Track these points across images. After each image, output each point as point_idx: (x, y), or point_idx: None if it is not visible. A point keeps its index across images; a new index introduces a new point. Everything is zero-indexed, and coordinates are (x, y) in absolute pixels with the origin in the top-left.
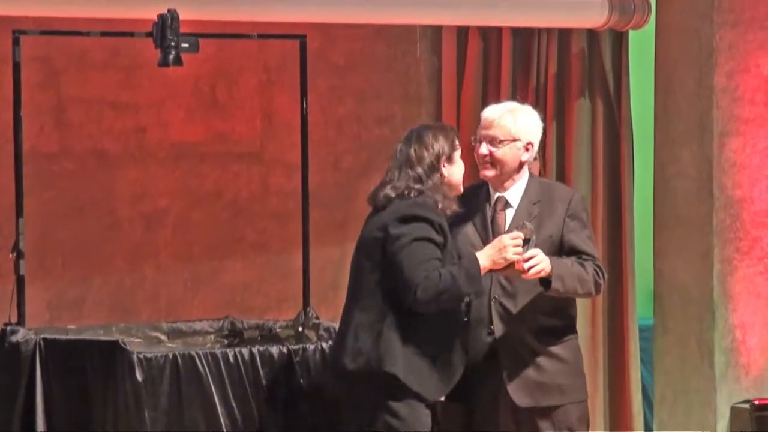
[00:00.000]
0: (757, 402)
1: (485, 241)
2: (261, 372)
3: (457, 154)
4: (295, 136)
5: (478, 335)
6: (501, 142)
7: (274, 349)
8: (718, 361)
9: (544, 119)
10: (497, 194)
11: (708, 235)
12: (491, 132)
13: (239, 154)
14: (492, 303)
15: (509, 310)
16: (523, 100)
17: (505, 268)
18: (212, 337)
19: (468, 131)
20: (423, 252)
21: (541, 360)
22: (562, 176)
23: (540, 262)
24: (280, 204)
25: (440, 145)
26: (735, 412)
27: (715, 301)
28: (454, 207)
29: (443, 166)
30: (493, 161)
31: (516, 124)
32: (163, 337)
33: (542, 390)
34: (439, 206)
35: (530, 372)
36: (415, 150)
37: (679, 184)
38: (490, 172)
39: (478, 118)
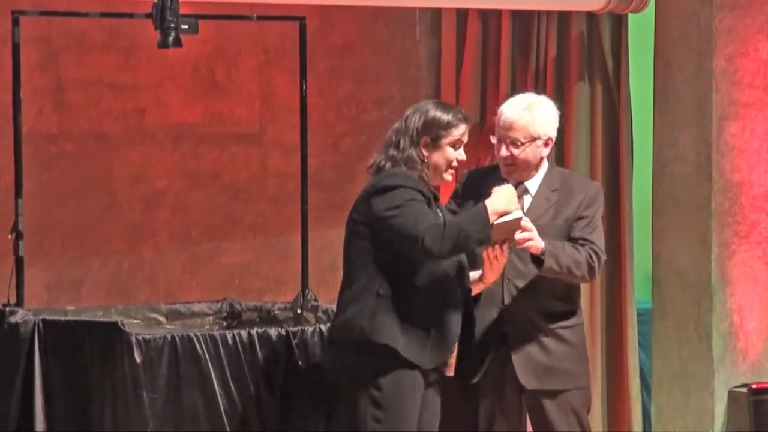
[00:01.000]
0: (754, 386)
1: None
2: (259, 354)
3: (447, 141)
4: (294, 118)
5: (489, 315)
6: (522, 144)
7: (273, 331)
8: (716, 345)
9: None
10: (516, 182)
11: (706, 219)
12: (511, 134)
13: (238, 136)
14: (505, 283)
15: (522, 292)
16: (522, 84)
17: (502, 231)
18: (211, 318)
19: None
20: (419, 209)
21: (550, 343)
22: (561, 159)
23: (533, 237)
24: (279, 186)
25: (428, 125)
26: (732, 395)
27: (713, 285)
28: (431, 187)
29: (424, 147)
30: (515, 162)
31: (535, 123)
32: (161, 319)
33: (549, 373)
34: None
35: (538, 355)
36: (404, 120)
37: (677, 168)
38: (512, 173)
39: (476, 102)
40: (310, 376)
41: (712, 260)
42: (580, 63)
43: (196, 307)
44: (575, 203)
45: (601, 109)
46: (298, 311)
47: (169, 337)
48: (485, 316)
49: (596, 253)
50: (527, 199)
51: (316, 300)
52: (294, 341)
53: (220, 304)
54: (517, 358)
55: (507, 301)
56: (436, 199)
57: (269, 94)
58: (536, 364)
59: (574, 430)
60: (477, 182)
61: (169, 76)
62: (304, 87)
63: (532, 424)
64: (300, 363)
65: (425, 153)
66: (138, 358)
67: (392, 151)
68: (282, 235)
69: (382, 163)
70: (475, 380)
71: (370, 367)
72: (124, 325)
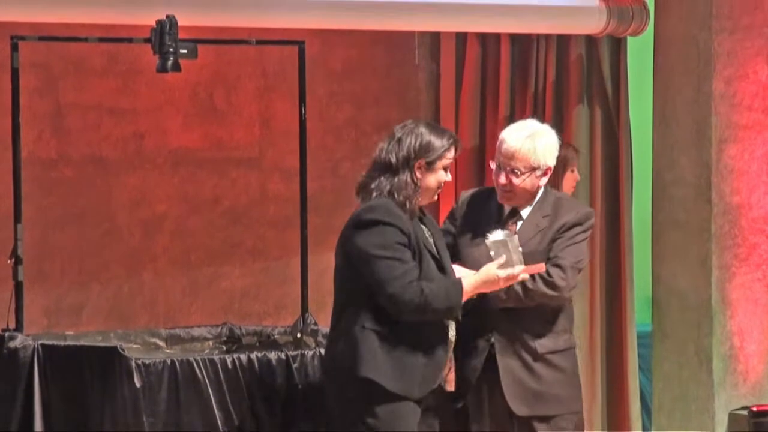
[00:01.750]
0: (755, 409)
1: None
2: (259, 378)
3: (442, 164)
4: (293, 143)
5: (478, 339)
6: (522, 173)
7: (273, 355)
8: (717, 368)
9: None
10: (510, 207)
11: (706, 241)
12: (512, 163)
13: (237, 160)
14: (494, 313)
15: (510, 317)
16: (521, 107)
17: None
18: (210, 343)
19: (466, 138)
20: (392, 261)
21: (539, 369)
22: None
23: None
24: (279, 210)
25: (424, 149)
26: (733, 418)
27: (713, 307)
28: (414, 211)
29: (418, 169)
30: (513, 190)
31: (536, 152)
32: (161, 343)
33: (540, 399)
34: (403, 201)
35: (527, 380)
36: (396, 142)
37: (677, 191)
38: (508, 200)
39: (476, 126)
40: (310, 400)
41: (712, 282)
42: (579, 86)
43: (196, 332)
44: (558, 225)
45: (601, 131)
46: (298, 335)
47: (168, 362)
48: (475, 341)
49: (559, 267)
50: (519, 225)
51: (315, 324)
52: (294, 365)
53: (219, 328)
54: (506, 384)
55: (495, 326)
56: (423, 216)
57: (268, 119)
58: (526, 390)
59: None
60: (474, 205)
61: (168, 101)
62: (303, 111)
63: None
64: (300, 387)
65: (419, 176)
66: (138, 383)
67: (385, 176)
68: (281, 259)
69: (372, 187)
70: (459, 405)
71: (362, 399)
72: (123, 350)
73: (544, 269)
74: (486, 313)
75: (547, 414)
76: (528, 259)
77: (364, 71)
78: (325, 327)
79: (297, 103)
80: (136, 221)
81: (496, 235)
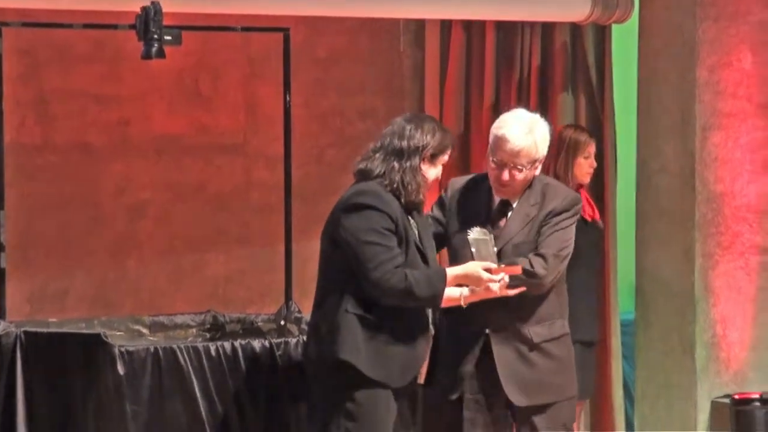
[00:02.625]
0: (737, 396)
1: None
2: (243, 366)
3: (441, 160)
4: (278, 129)
5: (473, 330)
6: (525, 169)
7: (256, 343)
8: (699, 356)
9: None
10: (501, 198)
11: (690, 229)
12: (516, 160)
13: (222, 147)
14: (487, 303)
15: (505, 307)
16: (506, 95)
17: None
18: (194, 330)
19: (450, 125)
20: (378, 246)
21: (535, 358)
22: (545, 170)
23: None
24: (263, 197)
25: (434, 140)
26: (715, 406)
27: (696, 295)
28: (416, 200)
29: (423, 160)
30: (513, 185)
31: (537, 146)
32: (144, 331)
33: (537, 388)
34: (400, 191)
35: (524, 370)
36: (408, 130)
37: (661, 179)
38: (506, 194)
39: (460, 114)
40: (293, 387)
41: (695, 271)
42: (564, 74)
43: (180, 319)
44: (545, 212)
45: (585, 119)
46: (282, 323)
47: (152, 349)
48: (470, 332)
49: (541, 256)
50: (509, 215)
51: (299, 311)
52: (277, 353)
53: (203, 315)
54: (503, 375)
55: (490, 317)
56: (414, 210)
57: (253, 106)
58: (523, 380)
59: None
60: (466, 194)
61: (153, 88)
62: (288, 98)
63: None
64: (284, 374)
65: (423, 167)
66: (121, 370)
67: (392, 162)
68: (266, 246)
69: (377, 171)
70: (454, 396)
71: (341, 383)
72: (107, 337)
73: (520, 271)
74: (480, 305)
75: (546, 402)
76: (517, 250)
77: (349, 59)
78: (309, 315)
79: (282, 90)
80: (121, 208)
81: (477, 233)
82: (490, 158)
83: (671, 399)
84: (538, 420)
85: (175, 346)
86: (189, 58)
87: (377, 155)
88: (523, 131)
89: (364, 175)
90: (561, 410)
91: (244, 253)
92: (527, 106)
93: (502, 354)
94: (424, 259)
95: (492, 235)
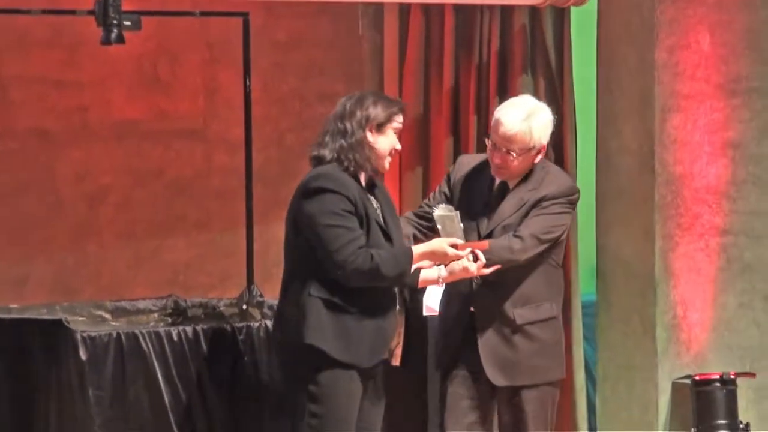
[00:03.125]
0: (697, 377)
1: (475, 221)
2: (205, 350)
3: (392, 128)
4: (238, 114)
5: (458, 310)
6: (518, 154)
7: (218, 328)
8: (660, 337)
9: (486, 96)
10: (501, 180)
11: (650, 211)
12: (508, 145)
13: (182, 132)
14: (474, 279)
15: (491, 287)
16: (466, 78)
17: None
18: (156, 315)
19: (410, 109)
20: (339, 228)
21: (517, 340)
22: None
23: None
24: (223, 182)
25: (375, 111)
26: (676, 387)
27: (657, 277)
28: (376, 172)
29: (369, 131)
30: (507, 169)
31: (532, 134)
32: (106, 316)
33: (516, 369)
34: (353, 168)
35: (506, 351)
36: (348, 107)
37: (621, 160)
38: (503, 177)
39: (420, 96)
40: (256, 371)
41: (655, 252)
42: (523, 57)
43: (141, 304)
44: (538, 197)
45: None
46: (244, 307)
47: (114, 334)
48: (455, 312)
49: (519, 237)
50: (506, 198)
51: (261, 296)
52: (240, 337)
53: (165, 300)
54: (484, 354)
55: (475, 298)
56: (374, 185)
57: (213, 90)
58: (503, 360)
59: (540, 424)
60: (469, 174)
61: (112, 73)
62: (247, 82)
63: (500, 416)
64: (246, 359)
65: (371, 139)
66: (83, 356)
67: (339, 142)
68: (227, 231)
69: (325, 154)
70: (439, 370)
71: (305, 366)
72: (68, 323)
73: (486, 246)
74: (467, 283)
75: (524, 383)
76: (504, 232)
77: (308, 42)
78: (270, 299)
79: (242, 74)
80: (81, 194)
81: (442, 210)
82: (488, 140)
83: (632, 380)
84: (517, 401)
85: (137, 331)
86: (148, 44)
87: (326, 139)
88: (519, 117)
89: (318, 161)
90: (542, 393)
91: (205, 238)
92: (486, 89)
93: (485, 334)
94: (388, 238)
95: (458, 212)
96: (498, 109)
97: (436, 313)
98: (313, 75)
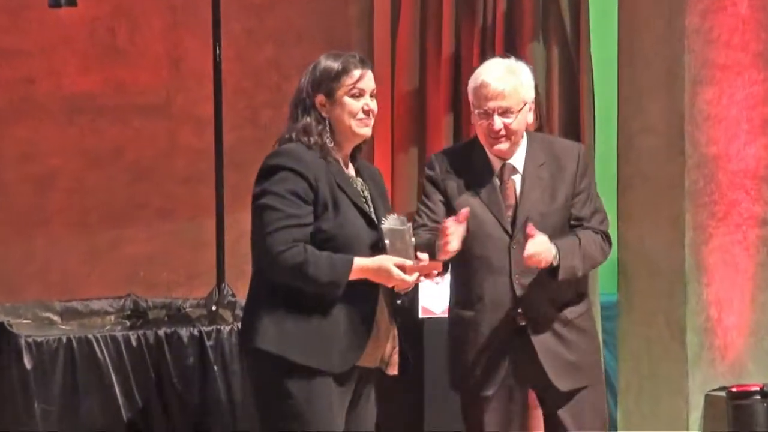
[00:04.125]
0: (734, 389)
1: (495, 215)
2: (168, 357)
3: (343, 92)
4: (206, 87)
5: (503, 317)
6: (515, 111)
7: (184, 332)
8: (691, 343)
9: None
10: (501, 161)
11: (679, 198)
12: (504, 104)
13: (142, 108)
14: (514, 284)
15: (537, 283)
16: (468, 45)
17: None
18: (112, 317)
19: (404, 80)
20: (278, 213)
21: (573, 337)
22: None
23: (540, 256)
24: (190, 164)
25: (322, 75)
26: (709, 400)
27: (686, 273)
28: (333, 156)
29: (321, 105)
30: (508, 134)
31: (522, 86)
32: (55, 318)
33: (577, 369)
34: (322, 144)
35: (564, 351)
36: (301, 80)
37: (645, 141)
38: (504, 146)
39: (415, 67)
40: (227, 382)
41: (685, 245)
42: (533, 20)
43: (96, 305)
44: (569, 177)
45: (558, 73)
46: (213, 308)
47: (64, 339)
48: (500, 320)
49: (606, 234)
50: (517, 179)
51: (233, 295)
52: (208, 343)
53: (122, 300)
54: (546, 360)
55: (521, 301)
56: (360, 166)
57: (178, 60)
58: (564, 362)
59: (602, 424)
60: (455, 166)
61: (62, 40)
62: (217, 51)
63: (551, 425)
64: (215, 368)
65: (324, 113)
66: (28, 364)
67: (294, 121)
68: (194, 220)
69: (291, 134)
70: (489, 392)
71: (270, 374)
72: (11, 326)
73: (440, 268)
74: (505, 284)
75: (587, 384)
76: (543, 222)
77: (286, 4)
78: (244, 299)
79: (210, 41)
80: (26, 178)
81: (392, 222)
82: (476, 112)
83: (659, 392)
84: (573, 404)
85: (90, 336)
86: (103, 6)
87: (288, 125)
88: (502, 72)
89: (280, 143)
90: (597, 393)
91: (169, 229)
92: (492, 57)
93: (541, 337)
94: (374, 226)
95: (410, 225)
96: (473, 78)
97: (435, 315)
98: (291, 42)
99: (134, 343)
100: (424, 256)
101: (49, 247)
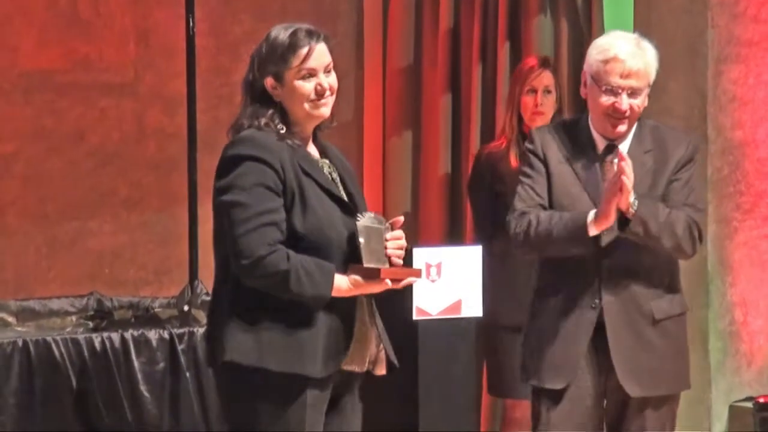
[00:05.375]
0: (761, 399)
1: (590, 195)
2: (135, 362)
3: (292, 74)
4: (178, 64)
5: (581, 307)
6: (642, 93)
7: (153, 334)
8: (714, 349)
9: (494, 42)
10: (605, 141)
11: (701, 188)
12: (635, 83)
13: (107, 86)
14: (602, 269)
15: (624, 273)
16: (468, 18)
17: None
18: (73, 318)
19: (396, 55)
20: (249, 209)
21: (657, 339)
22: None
23: (630, 176)
24: (160, 149)
25: (263, 58)
26: (734, 411)
27: (709, 272)
28: (294, 140)
29: (272, 88)
30: (632, 115)
31: (650, 65)
32: (10, 319)
33: (655, 376)
34: (278, 129)
35: (642, 354)
36: (250, 58)
37: (664, 124)
38: (624, 127)
39: (409, 41)
40: (200, 389)
41: (708, 241)
42: None
43: (55, 304)
44: (672, 165)
45: (567, 49)
46: (185, 308)
47: (20, 342)
48: (576, 310)
49: (696, 223)
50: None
51: (207, 294)
52: (180, 346)
53: (85, 299)
54: (619, 360)
55: (603, 291)
56: (325, 148)
57: (146, 33)
58: (641, 366)
59: None
60: (557, 141)
61: (18, 11)
62: (190, 23)
63: None
64: (188, 374)
65: (276, 98)
66: None
67: (246, 106)
68: (164, 211)
69: (244, 121)
70: (559, 386)
71: (245, 387)
72: None
73: (419, 275)
74: (591, 270)
75: (661, 393)
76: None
77: None
78: None
79: (183, 12)
80: None
81: (369, 220)
82: (602, 87)
83: (680, 402)
84: (649, 415)
85: (49, 338)
86: None
87: (242, 100)
88: (633, 47)
89: (236, 131)
90: (673, 404)
91: (137, 220)
92: (494, 33)
93: (618, 334)
94: (349, 212)
95: (388, 225)
96: (602, 49)
97: (431, 317)
98: (272, 14)
99: (98, 346)
100: (398, 262)
101: (3, 240)
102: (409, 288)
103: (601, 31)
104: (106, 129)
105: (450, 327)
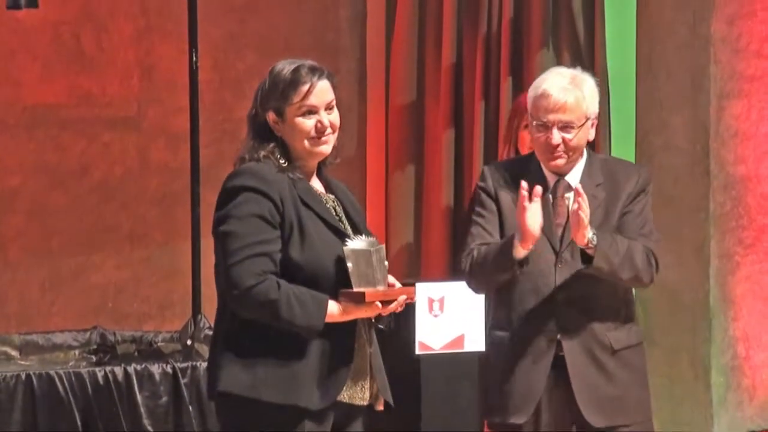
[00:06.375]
0: None
1: (545, 232)
2: (138, 396)
3: (293, 111)
4: (181, 99)
5: (542, 340)
6: (576, 127)
7: (156, 368)
8: (716, 383)
9: (497, 77)
10: (556, 177)
11: (703, 223)
12: (565, 117)
13: (111, 121)
14: (557, 304)
15: (580, 305)
16: (470, 53)
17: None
18: (77, 352)
19: (399, 91)
20: (244, 239)
21: (617, 370)
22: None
23: (586, 212)
24: (164, 184)
25: (266, 93)
26: None
27: (712, 307)
28: (295, 173)
29: (273, 123)
30: (567, 149)
31: (585, 100)
32: (13, 353)
33: (617, 406)
34: (280, 165)
35: (604, 384)
36: (255, 92)
37: (667, 159)
38: (561, 162)
39: (412, 77)
40: (203, 422)
41: (710, 275)
42: (543, 26)
43: (58, 338)
44: (624, 197)
45: None
46: (188, 342)
47: (23, 376)
48: (535, 342)
49: (653, 252)
50: (571, 197)
51: (210, 328)
52: (183, 380)
53: (88, 333)
54: (579, 390)
55: (561, 324)
56: (329, 183)
57: (150, 68)
58: (603, 396)
59: None
60: (508, 179)
61: (21, 46)
62: (194, 58)
63: None
64: (191, 408)
65: (277, 132)
66: None
67: (249, 140)
68: (167, 245)
69: (249, 154)
70: (521, 420)
71: (241, 419)
72: None
73: (412, 295)
74: (547, 304)
75: (626, 422)
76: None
77: (270, 7)
78: None
79: (186, 48)
80: None
81: (358, 244)
82: (534, 123)
83: None
84: None
85: (52, 372)
86: (68, 9)
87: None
88: (564, 83)
89: (241, 162)
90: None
91: (140, 255)
92: (497, 68)
93: (577, 365)
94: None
95: (381, 246)
96: (534, 87)
97: (433, 351)
98: (276, 50)
99: (101, 380)
100: (393, 281)
101: (6, 274)
102: (411, 323)
103: (604, 66)
104: (109, 164)
105: (453, 361)
